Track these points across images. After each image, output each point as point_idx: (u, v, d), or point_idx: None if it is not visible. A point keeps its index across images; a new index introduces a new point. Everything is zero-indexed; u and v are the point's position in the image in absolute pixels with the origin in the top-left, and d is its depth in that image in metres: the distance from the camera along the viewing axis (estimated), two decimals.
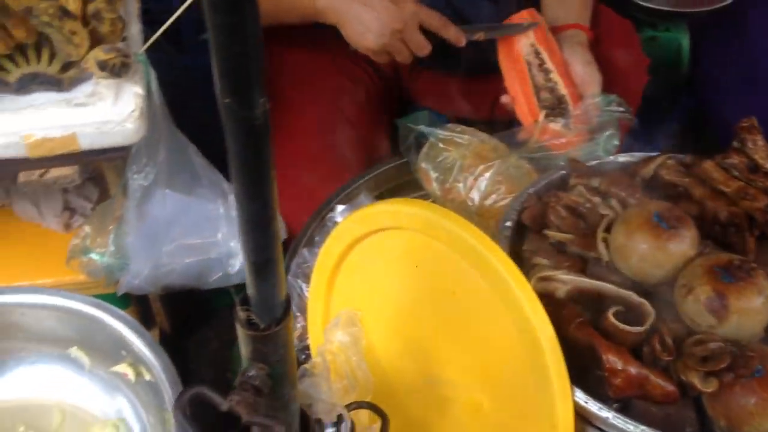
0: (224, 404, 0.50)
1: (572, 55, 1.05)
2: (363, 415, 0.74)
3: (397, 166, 1.11)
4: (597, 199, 0.75)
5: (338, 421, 0.64)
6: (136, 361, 0.91)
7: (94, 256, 0.98)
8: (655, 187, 0.77)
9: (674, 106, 1.69)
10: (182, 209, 0.96)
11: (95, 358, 0.95)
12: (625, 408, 0.66)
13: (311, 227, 1.02)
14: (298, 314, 0.95)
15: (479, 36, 1.03)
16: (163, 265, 1.03)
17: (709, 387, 0.62)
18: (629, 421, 0.62)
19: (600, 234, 0.72)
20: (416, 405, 0.81)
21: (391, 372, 0.82)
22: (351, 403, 0.67)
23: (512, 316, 0.65)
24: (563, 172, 0.83)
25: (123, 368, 0.93)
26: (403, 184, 1.11)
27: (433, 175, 0.96)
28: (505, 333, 0.67)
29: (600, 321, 0.66)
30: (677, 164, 0.77)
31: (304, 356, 0.95)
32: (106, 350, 0.93)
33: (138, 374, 0.92)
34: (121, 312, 0.90)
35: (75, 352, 0.96)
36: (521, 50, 1.02)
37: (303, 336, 0.94)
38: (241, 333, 0.50)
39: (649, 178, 0.77)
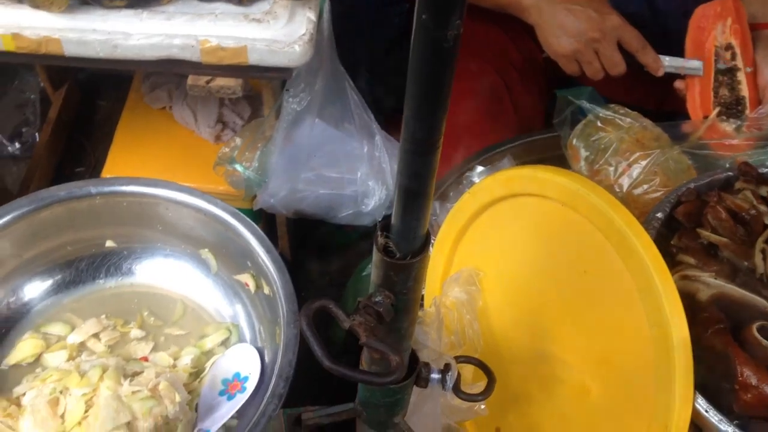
0: (347, 322, 0.51)
1: (765, 57, 0.98)
2: (467, 372, 0.74)
3: (545, 139, 1.08)
4: (764, 208, 0.69)
5: (445, 370, 0.64)
6: (259, 274, 0.95)
7: (238, 167, 1.03)
8: None
9: None
10: (328, 140, 0.99)
11: (222, 263, 1.00)
12: (743, 427, 0.62)
13: (447, 182, 1.02)
14: None
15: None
16: (299, 190, 1.06)
17: None
18: None
19: (760, 244, 0.67)
20: (519, 377, 0.80)
21: (501, 339, 0.81)
22: (459, 356, 0.67)
23: (647, 307, 0.62)
24: (729, 173, 0.78)
25: (245, 278, 0.98)
26: (548, 159, 1.08)
27: (584, 153, 0.93)
28: (634, 323, 0.64)
29: (739, 333, 0.61)
30: None
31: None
32: (234, 258, 0.97)
33: (258, 286, 0.96)
34: (255, 225, 0.94)
35: (206, 254, 1.01)
36: (714, 39, 0.96)
37: None
38: (376, 258, 0.50)
39: None
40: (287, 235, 1.34)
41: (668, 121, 0.98)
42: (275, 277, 0.90)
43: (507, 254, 0.80)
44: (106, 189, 0.94)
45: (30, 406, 0.85)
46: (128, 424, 0.83)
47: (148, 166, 1.18)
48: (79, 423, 0.83)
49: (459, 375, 0.63)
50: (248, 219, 0.95)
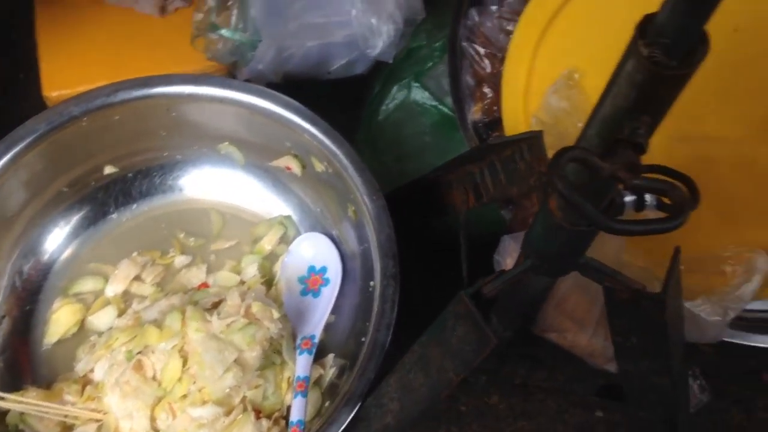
0: (606, 169, 0.40)
1: None
2: None
3: None
4: None
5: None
6: (305, 152, 0.80)
7: (225, 32, 0.83)
8: None
9: None
10: None
11: (250, 152, 0.85)
12: None
13: None
14: (480, 84, 0.83)
15: None
16: (285, 48, 0.88)
17: None
18: None
19: None
20: None
21: None
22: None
23: None
24: None
25: (285, 161, 0.83)
26: None
27: None
28: None
29: None
30: None
31: (486, 135, 0.85)
32: (265, 142, 0.82)
33: (304, 166, 0.82)
34: (284, 97, 0.77)
35: (225, 147, 0.85)
36: None
37: (490, 109, 0.82)
38: (633, 75, 0.37)
39: None
40: None
41: None
42: (332, 149, 0.76)
43: (611, 38, 0.67)
44: (93, 105, 0.74)
45: (110, 380, 0.72)
46: (236, 360, 0.72)
47: (95, 66, 0.96)
48: (180, 379, 0.71)
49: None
50: (272, 90, 0.78)
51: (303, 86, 0.87)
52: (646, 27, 0.36)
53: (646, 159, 0.69)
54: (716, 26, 0.61)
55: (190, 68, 0.97)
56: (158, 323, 0.73)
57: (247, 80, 0.98)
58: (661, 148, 0.70)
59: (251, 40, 0.86)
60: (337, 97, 1.01)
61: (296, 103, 0.76)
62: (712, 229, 0.68)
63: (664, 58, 0.36)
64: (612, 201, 0.52)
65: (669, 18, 0.35)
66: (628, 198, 0.54)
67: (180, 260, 0.84)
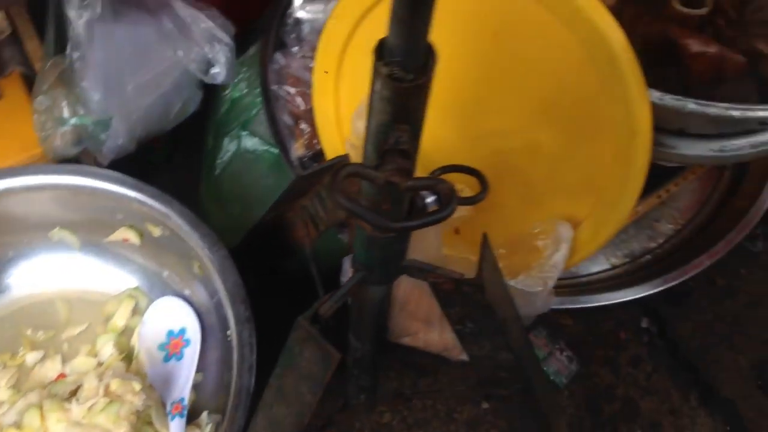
0: (380, 177, 0.44)
1: None
2: None
3: None
4: None
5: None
6: (139, 220, 0.81)
7: (75, 121, 0.82)
8: None
9: None
10: (126, 41, 0.82)
11: (83, 233, 0.84)
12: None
13: (272, 29, 0.91)
14: (298, 122, 0.87)
15: None
16: (131, 113, 0.88)
17: None
18: (706, 102, 0.63)
19: None
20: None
21: (432, 144, 0.78)
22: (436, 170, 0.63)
23: (576, 33, 0.61)
24: None
25: (121, 234, 0.83)
26: None
27: None
28: (567, 55, 0.63)
29: (660, 13, 0.64)
30: None
31: (316, 163, 0.89)
32: (95, 220, 0.82)
33: (141, 234, 0.83)
34: (106, 170, 0.78)
35: (57, 233, 0.84)
36: None
37: (311, 143, 0.87)
38: (383, 93, 0.43)
39: None
40: None
41: None
42: (163, 211, 0.77)
43: None
44: None
45: None
46: None
47: None
48: None
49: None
50: (90, 167, 0.79)
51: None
52: (381, 50, 0.41)
53: (454, 159, 0.76)
54: (478, 33, 0.69)
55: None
56: (18, 424, 0.71)
57: (113, 160, 0.94)
58: (465, 148, 0.77)
59: (102, 119, 0.85)
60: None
61: (117, 174, 0.77)
62: (520, 211, 0.75)
63: (402, 73, 0.41)
64: (413, 204, 0.57)
65: (395, 40, 0.40)
66: (429, 199, 0.59)
67: (32, 357, 0.81)
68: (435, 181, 0.45)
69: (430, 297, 0.72)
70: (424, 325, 0.75)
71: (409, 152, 0.45)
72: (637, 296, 0.87)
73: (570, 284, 0.87)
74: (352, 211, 0.43)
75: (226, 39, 0.82)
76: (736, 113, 0.62)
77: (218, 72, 0.83)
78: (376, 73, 0.42)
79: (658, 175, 0.89)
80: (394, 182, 0.44)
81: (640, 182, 0.67)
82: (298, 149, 0.87)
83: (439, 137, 0.77)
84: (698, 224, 0.89)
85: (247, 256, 0.79)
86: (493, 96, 0.70)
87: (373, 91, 0.43)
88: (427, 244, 0.65)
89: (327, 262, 0.87)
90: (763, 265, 1.39)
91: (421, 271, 0.61)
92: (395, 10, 0.38)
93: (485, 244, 0.62)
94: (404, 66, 0.41)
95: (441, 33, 0.69)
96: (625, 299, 0.86)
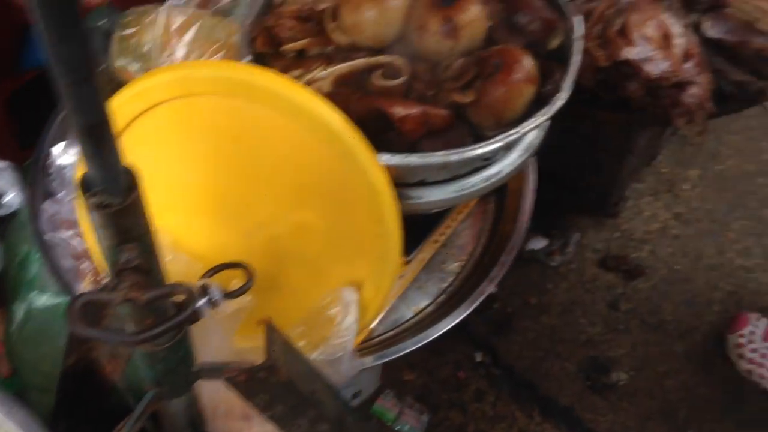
0: (117, 297, 0.47)
1: None
2: None
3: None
4: None
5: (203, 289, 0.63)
6: None
7: None
8: None
9: None
10: None
11: None
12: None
13: (36, 183, 0.91)
14: (79, 262, 0.88)
15: None
16: None
17: (469, 97, 0.73)
18: (426, 154, 0.71)
19: (330, 24, 0.77)
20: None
21: (211, 248, 0.81)
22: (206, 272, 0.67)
23: (303, 124, 0.68)
24: None
25: None
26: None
27: (134, 67, 0.92)
28: (303, 143, 0.70)
29: (367, 90, 0.72)
30: None
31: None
32: None
33: None
34: None
35: None
36: None
37: (96, 278, 0.87)
38: (99, 220, 0.46)
39: None
40: None
41: None
42: None
43: (163, 171, 0.76)
44: None
45: None
46: None
47: None
48: None
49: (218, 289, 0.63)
50: None
51: None
52: (85, 184, 0.45)
53: (233, 256, 0.79)
54: (218, 142, 0.75)
55: None
56: None
57: None
58: (241, 243, 0.81)
59: None
60: None
61: None
62: (307, 288, 0.80)
63: (108, 199, 0.45)
64: (181, 310, 0.60)
65: (93, 173, 0.44)
66: (200, 302, 0.62)
67: None
68: (171, 287, 0.49)
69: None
70: (243, 422, 0.76)
71: (143, 267, 0.48)
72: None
73: (381, 339, 0.92)
74: (90, 338, 0.45)
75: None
76: (454, 157, 0.72)
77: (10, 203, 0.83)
78: (86, 205, 0.45)
79: (430, 222, 0.98)
80: (133, 299, 0.47)
81: (398, 234, 0.75)
82: (86, 288, 0.87)
83: (216, 241, 0.81)
84: (477, 256, 0.98)
85: (69, 410, 0.77)
86: (251, 192, 0.76)
87: (92, 222, 0.46)
88: (216, 344, 0.67)
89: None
90: (564, 275, 1.54)
91: (213, 371, 0.64)
92: (83, 149, 0.42)
93: (269, 329, 0.66)
94: (109, 193, 0.45)
95: (182, 147, 0.75)
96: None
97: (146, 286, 0.48)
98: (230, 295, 0.63)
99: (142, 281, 0.48)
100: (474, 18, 0.73)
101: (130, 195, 0.46)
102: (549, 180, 1.11)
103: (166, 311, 0.53)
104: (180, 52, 0.90)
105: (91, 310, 0.47)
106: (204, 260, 0.81)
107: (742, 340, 1.38)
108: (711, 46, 1.15)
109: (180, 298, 0.51)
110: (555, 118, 0.78)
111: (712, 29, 1.12)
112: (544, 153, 0.88)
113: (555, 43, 0.79)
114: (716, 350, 1.40)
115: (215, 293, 0.62)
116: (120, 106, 0.70)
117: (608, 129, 1.60)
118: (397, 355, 0.88)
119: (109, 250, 0.48)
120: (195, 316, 0.48)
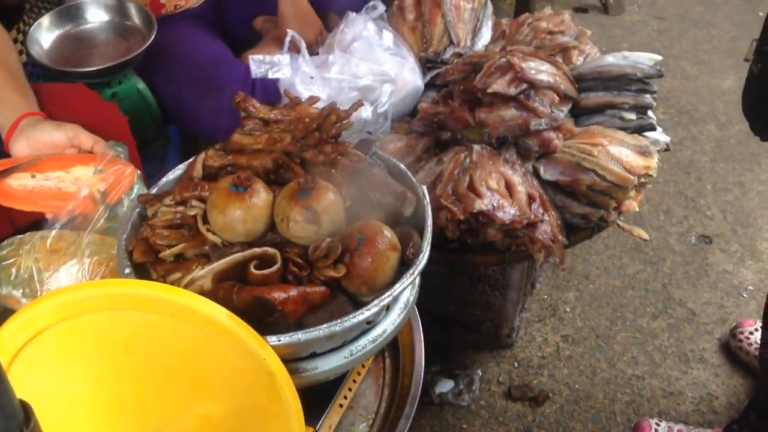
0: None
1: None
2: None
3: None
4: (181, 208, 0.86)
5: None
6: None
7: None
8: (209, 176, 0.92)
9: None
10: None
11: None
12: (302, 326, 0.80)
13: None
14: None
15: None
16: None
17: (341, 271, 0.80)
18: (311, 329, 0.77)
19: (202, 228, 0.84)
20: None
21: None
22: None
23: (188, 323, 0.73)
24: (137, 209, 0.91)
25: None
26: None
27: (17, 293, 0.94)
28: (192, 340, 0.74)
29: (247, 281, 0.78)
30: (216, 151, 0.93)
31: None
32: None
33: None
34: None
35: None
36: None
37: None
38: None
39: (204, 172, 0.92)
40: None
41: None
42: None
43: (59, 391, 0.78)
44: None
45: None
46: None
47: None
48: None
49: None
50: None
51: None
52: None
53: None
54: (112, 351, 0.78)
55: None
56: None
57: None
58: None
59: None
60: None
61: None
62: None
63: None
64: None
65: None
66: None
67: None
68: None
69: None
70: None
71: None
72: None
73: None
74: None
75: None
76: (338, 327, 0.78)
77: None
78: None
79: (333, 387, 1.01)
80: None
81: (297, 409, 0.78)
82: None
83: None
84: (383, 413, 1.02)
85: None
86: (149, 396, 0.78)
87: None
88: None
89: None
90: (476, 413, 1.59)
91: None
92: None
93: None
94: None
95: (75, 366, 0.77)
96: None
97: None
98: None
99: None
100: (330, 203, 0.82)
101: (28, 427, 0.48)
102: (444, 323, 1.19)
103: None
104: (62, 272, 0.93)
105: None
106: None
107: None
108: (550, 187, 1.31)
109: None
110: (426, 274, 0.86)
111: (546, 173, 1.28)
112: (433, 299, 0.96)
113: (409, 211, 0.90)
114: None
115: None
116: (6, 339, 0.72)
117: (484, 269, 1.73)
118: None
119: None
120: None
